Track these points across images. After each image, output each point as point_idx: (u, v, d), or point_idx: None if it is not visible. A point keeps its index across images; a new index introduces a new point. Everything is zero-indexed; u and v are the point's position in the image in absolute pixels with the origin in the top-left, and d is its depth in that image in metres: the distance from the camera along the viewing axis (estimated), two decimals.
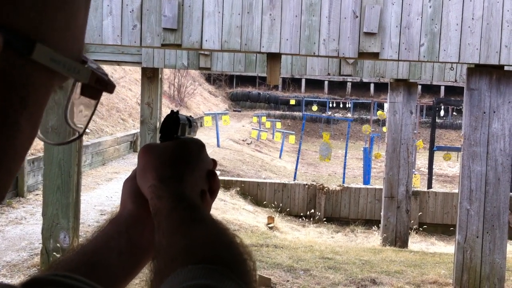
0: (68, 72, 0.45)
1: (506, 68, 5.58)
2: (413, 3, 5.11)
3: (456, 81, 9.26)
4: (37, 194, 9.65)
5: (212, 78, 40.17)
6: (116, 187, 11.28)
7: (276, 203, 12.33)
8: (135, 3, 4.92)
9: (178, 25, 4.88)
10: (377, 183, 14.73)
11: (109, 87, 0.50)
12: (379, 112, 25.72)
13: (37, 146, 10.27)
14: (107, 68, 19.83)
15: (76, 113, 0.52)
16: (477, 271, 5.85)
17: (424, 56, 5.23)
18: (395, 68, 8.94)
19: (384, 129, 10.94)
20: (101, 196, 10.45)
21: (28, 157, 9.71)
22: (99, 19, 4.92)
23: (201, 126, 26.57)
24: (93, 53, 8.66)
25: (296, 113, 35.87)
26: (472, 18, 5.20)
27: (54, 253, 5.74)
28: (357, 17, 5.05)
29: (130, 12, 4.93)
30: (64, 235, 5.88)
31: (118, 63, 9.14)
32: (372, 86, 39.28)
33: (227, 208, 10.77)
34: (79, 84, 0.48)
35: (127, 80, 21.70)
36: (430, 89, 37.33)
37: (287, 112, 36.91)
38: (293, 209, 12.43)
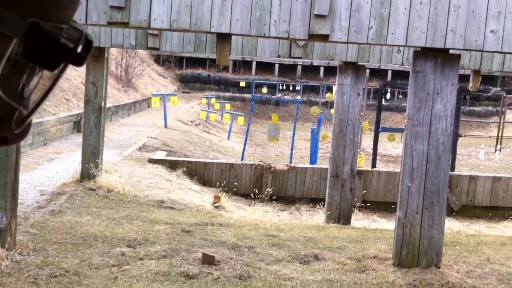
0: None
1: (451, 51, 5.71)
2: None
3: (403, 64, 9.44)
4: None
5: (161, 59, 39.54)
6: (57, 168, 10.97)
7: (223, 183, 12.29)
8: None
9: (125, 2, 4.73)
10: (323, 164, 14.92)
11: (66, 54, 0.41)
12: (328, 94, 26.03)
13: None
14: None
15: (14, 83, 0.43)
16: (415, 245, 6.01)
17: (372, 39, 5.29)
18: (344, 51, 9.02)
19: (332, 111, 11.05)
20: (42, 176, 10.14)
21: None
22: None
23: (148, 107, 26.17)
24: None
25: (246, 95, 35.83)
26: (421, 3, 5.28)
27: None
28: None
29: None
30: (1, 215, 5.73)
31: None
32: (322, 69, 39.63)
33: (173, 188, 10.67)
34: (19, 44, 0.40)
35: None
36: (378, 73, 38.01)
37: (237, 94, 36.81)
38: (239, 188, 12.43)
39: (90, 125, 9.72)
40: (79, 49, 0.42)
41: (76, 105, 16.75)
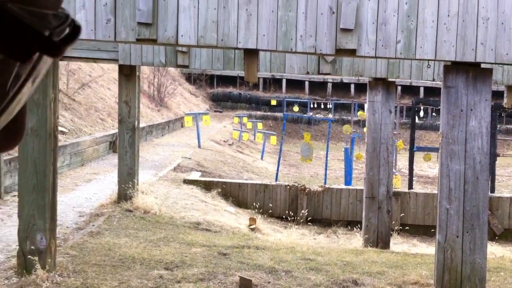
0: None
1: (482, 65, 5.57)
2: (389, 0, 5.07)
3: (434, 80, 9.27)
4: (14, 195, 9.43)
5: (193, 78, 39.94)
6: (95, 188, 11.09)
7: (258, 204, 12.23)
8: None
9: (153, 19, 4.77)
10: (358, 185, 14.73)
11: (39, 42, 0.35)
12: (360, 112, 25.82)
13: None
14: (84, 66, 19.54)
15: None
16: (458, 271, 5.82)
17: (401, 53, 5.19)
18: (373, 66, 8.91)
19: (365, 129, 10.94)
20: (80, 197, 10.26)
21: (5, 157, 9.49)
22: (72, 13, 4.74)
23: (181, 126, 26.39)
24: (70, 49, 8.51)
25: (278, 114, 35.83)
26: (448, 15, 5.17)
27: (31, 256, 5.61)
28: (333, 13, 4.98)
29: (104, 5, 4.79)
30: (41, 236, 5.74)
31: (95, 60, 8.99)
32: (352, 86, 39.42)
33: (208, 209, 10.66)
34: None
35: (105, 79, 21.41)
36: (409, 89, 37.59)
37: (268, 113, 36.85)
38: (275, 210, 12.35)
39: (125, 145, 9.81)
40: (61, 37, 0.37)
41: (111, 125, 16.98)
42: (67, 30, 0.37)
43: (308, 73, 8.84)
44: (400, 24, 5.10)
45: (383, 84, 9.30)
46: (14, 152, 9.89)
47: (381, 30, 5.07)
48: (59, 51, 0.36)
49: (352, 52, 5.13)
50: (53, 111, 5.54)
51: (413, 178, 14.00)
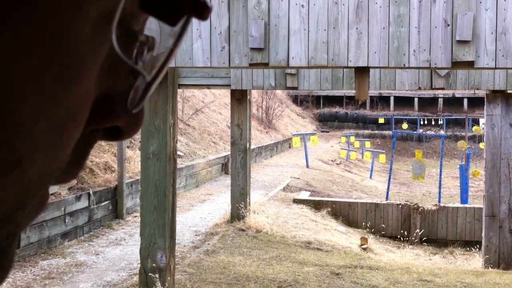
0: None
1: None
2: (508, 8, 4.85)
3: None
4: (135, 216, 10.05)
5: (299, 100, 40.30)
6: (209, 208, 11.52)
7: (368, 223, 12.03)
8: (223, 25, 5.05)
9: (264, 44, 4.94)
10: (475, 203, 14.00)
11: (196, 3, 0.31)
12: (475, 127, 24.57)
13: (135, 170, 10.73)
14: (197, 93, 20.48)
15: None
16: None
17: None
18: (491, 78, 8.51)
19: (481, 145, 10.39)
20: (195, 217, 10.70)
21: (127, 180, 10.15)
22: (189, 43, 5.09)
23: (289, 147, 26.65)
24: (185, 77, 8.99)
25: (386, 132, 35.06)
26: None
27: (151, 273, 5.88)
28: (448, 25, 4.87)
29: (218, 34, 5.06)
30: (161, 254, 6.00)
31: (208, 86, 9.42)
32: (465, 101, 37.67)
33: (319, 229, 10.65)
34: None
35: (217, 104, 22.27)
36: None
37: (376, 131, 36.18)
38: (386, 229, 12.06)
39: (237, 166, 10.12)
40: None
41: (223, 148, 17.57)
42: None
43: (420, 88, 8.62)
44: None
45: (502, 96, 8.85)
46: (135, 176, 10.56)
47: (501, 40, 4.87)
48: (207, 12, 0.32)
49: (470, 64, 4.96)
50: (172, 136, 5.88)
51: None
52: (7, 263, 0.31)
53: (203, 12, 0.32)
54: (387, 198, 14.43)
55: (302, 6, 4.89)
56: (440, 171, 15.48)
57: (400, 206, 12.19)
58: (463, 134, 32.02)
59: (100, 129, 0.35)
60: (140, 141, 6.96)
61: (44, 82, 0.28)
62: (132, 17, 0.32)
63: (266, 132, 26.37)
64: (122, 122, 0.35)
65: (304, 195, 13.50)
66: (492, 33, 4.88)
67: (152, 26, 0.34)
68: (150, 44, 0.34)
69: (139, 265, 6.14)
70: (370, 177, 21.84)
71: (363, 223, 12.02)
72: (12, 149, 0.28)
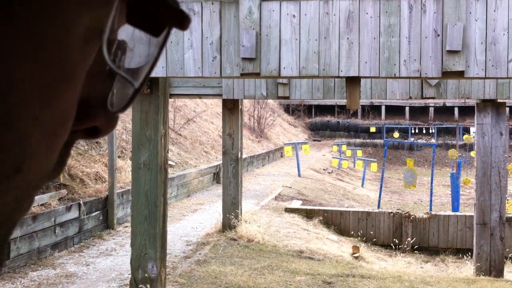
0: None
1: None
2: (497, 19, 4.90)
3: None
4: (126, 226, 9.99)
5: (291, 109, 40.39)
6: (201, 218, 11.48)
7: (360, 232, 12.03)
8: (214, 35, 5.06)
9: (256, 54, 4.95)
10: (467, 210, 14.06)
11: (177, 15, 0.34)
12: (466, 136, 24.72)
13: (126, 180, 10.68)
14: (189, 102, 20.48)
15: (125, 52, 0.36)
16: None
17: None
18: (481, 88, 8.58)
19: (472, 153, 10.42)
20: (187, 227, 10.66)
21: (117, 190, 10.11)
22: (180, 53, 5.10)
23: (281, 156, 26.66)
24: (177, 87, 8.99)
25: (377, 141, 35.19)
26: None
27: (142, 285, 5.84)
28: (438, 35, 4.91)
29: (210, 44, 5.07)
30: (152, 265, 5.97)
31: (200, 96, 9.42)
32: (456, 110, 37.91)
33: (311, 238, 10.64)
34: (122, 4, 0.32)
35: (208, 113, 22.26)
36: None
37: (367, 140, 36.31)
38: (378, 238, 12.07)
39: (229, 176, 10.11)
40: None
41: (215, 157, 17.55)
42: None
43: (410, 98, 8.67)
44: (511, 41, 4.92)
45: (493, 105, 8.92)
46: (126, 186, 10.52)
47: (491, 50, 4.92)
48: (187, 22, 0.34)
49: (460, 74, 5.00)
50: (163, 146, 5.87)
51: None
52: (2, 257, 0.34)
53: (184, 22, 0.34)
54: (378, 207, 14.45)
55: (294, 16, 4.92)
56: (432, 179, 15.54)
57: (392, 214, 12.22)
58: (454, 142, 32.19)
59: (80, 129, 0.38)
60: (131, 151, 6.93)
61: (43, 90, 0.30)
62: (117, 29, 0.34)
63: (258, 141, 26.38)
64: (101, 122, 0.37)
65: (296, 204, 13.49)
66: (482, 43, 4.93)
67: (136, 36, 0.36)
68: (123, 48, 0.36)
69: (129, 276, 6.11)
70: (362, 185, 21.88)
71: (355, 232, 12.02)
72: (13, 156, 0.30)
